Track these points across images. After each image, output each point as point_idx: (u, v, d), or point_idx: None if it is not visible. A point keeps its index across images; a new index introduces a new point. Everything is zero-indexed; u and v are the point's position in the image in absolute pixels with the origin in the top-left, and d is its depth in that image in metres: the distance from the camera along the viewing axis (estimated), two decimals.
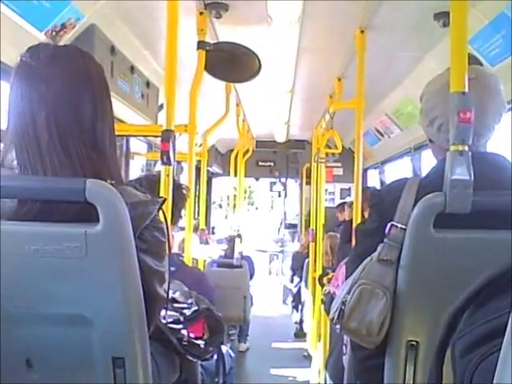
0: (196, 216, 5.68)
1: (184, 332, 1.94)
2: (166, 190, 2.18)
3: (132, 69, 3.70)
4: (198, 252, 4.22)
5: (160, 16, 2.34)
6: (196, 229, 4.53)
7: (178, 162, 5.71)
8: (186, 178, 3.25)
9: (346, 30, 3.42)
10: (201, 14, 3.12)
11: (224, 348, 3.46)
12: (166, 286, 1.44)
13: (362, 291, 1.48)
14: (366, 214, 3.24)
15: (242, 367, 6.19)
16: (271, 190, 11.39)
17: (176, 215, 2.56)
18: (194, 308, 2.06)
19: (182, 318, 1.98)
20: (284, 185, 10.64)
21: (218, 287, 3.41)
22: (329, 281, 3.72)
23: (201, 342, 2.02)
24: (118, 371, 1.28)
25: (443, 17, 3.00)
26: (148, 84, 4.10)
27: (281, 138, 8.42)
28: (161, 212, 1.41)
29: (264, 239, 12.29)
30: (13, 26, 2.35)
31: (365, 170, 7.64)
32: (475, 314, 0.79)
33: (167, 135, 2.18)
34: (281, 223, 11.98)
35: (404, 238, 1.45)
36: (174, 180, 2.31)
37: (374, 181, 7.87)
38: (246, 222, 7.67)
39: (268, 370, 6.16)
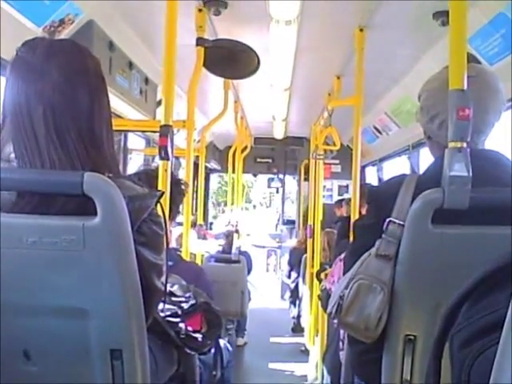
0: (194, 211, 5.68)
1: (182, 325, 1.95)
2: (163, 185, 2.19)
3: (130, 65, 3.70)
4: (196, 247, 4.22)
5: (159, 12, 2.34)
6: (194, 224, 4.54)
7: (177, 158, 5.72)
8: (184, 174, 3.25)
9: (345, 28, 3.42)
10: (199, 10, 3.12)
11: (222, 342, 3.47)
12: (163, 279, 1.44)
13: (359, 286, 1.49)
14: (364, 211, 3.25)
15: (239, 361, 6.20)
16: (269, 187, 11.39)
17: (174, 210, 2.56)
18: (192, 301, 2.07)
19: (179, 312, 1.98)
20: (282, 181, 10.64)
21: (215, 282, 3.41)
22: (326, 276, 3.73)
23: (198, 336, 2.02)
24: (115, 363, 1.29)
25: (442, 16, 3.00)
26: (146, 80, 4.10)
27: (279, 134, 8.43)
28: (159, 205, 1.41)
29: (262, 235, 12.29)
30: (11, 21, 2.35)
31: (363, 168, 7.65)
32: (473, 308, 0.80)
33: (165, 130, 2.18)
34: (279, 219, 11.99)
35: (402, 234, 1.45)
36: (172, 175, 2.31)
37: (371, 178, 7.88)
38: (243, 217, 7.66)
39: (265, 365, 6.17)
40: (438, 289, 1.41)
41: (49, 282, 1.27)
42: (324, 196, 7.40)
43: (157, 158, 2.36)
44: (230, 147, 6.98)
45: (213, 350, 3.08)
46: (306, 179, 8.22)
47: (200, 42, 3.08)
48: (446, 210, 1.41)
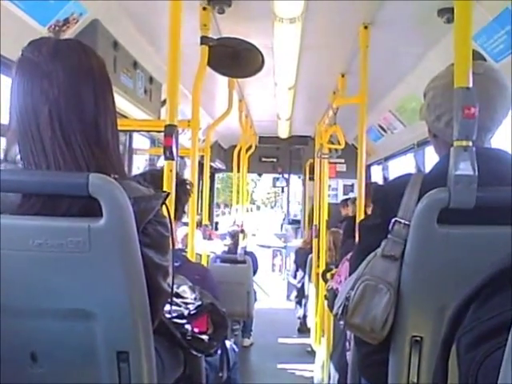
0: (199, 211, 5.68)
1: (188, 327, 1.94)
2: (168, 185, 2.19)
3: (135, 64, 3.70)
4: (202, 247, 4.22)
5: (163, 11, 2.34)
6: (199, 224, 4.54)
7: (182, 157, 5.72)
8: (189, 174, 3.25)
9: (349, 25, 3.41)
10: (204, 9, 3.12)
11: (228, 343, 3.46)
12: (169, 280, 1.44)
13: (365, 287, 1.48)
14: (369, 210, 3.24)
15: (245, 362, 6.20)
16: (274, 186, 11.40)
17: (180, 211, 2.56)
18: (198, 303, 2.06)
19: (186, 313, 1.98)
20: (287, 181, 10.63)
21: (221, 283, 3.41)
22: (332, 276, 3.72)
23: (205, 337, 2.02)
24: (122, 365, 1.29)
25: (447, 13, 2.99)
26: (151, 79, 4.10)
27: (284, 133, 8.42)
28: (164, 207, 1.41)
29: (267, 235, 12.29)
30: (16, 20, 2.35)
31: (368, 166, 7.64)
32: (480, 309, 0.79)
33: (170, 130, 2.18)
34: (284, 219, 11.99)
35: (408, 234, 1.44)
36: (177, 175, 2.31)
37: (377, 177, 7.87)
38: (249, 217, 7.67)
39: (272, 365, 6.17)
40: (444, 289, 1.41)
41: (55, 284, 1.27)
42: (329, 195, 7.38)
43: (162, 158, 2.36)
44: (235, 146, 6.97)
45: (219, 352, 3.07)
46: (311, 178, 8.22)
47: (204, 40, 3.07)
48: (453, 210, 1.40)
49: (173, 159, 2.21)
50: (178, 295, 2.04)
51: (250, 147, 7.45)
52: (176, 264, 1.77)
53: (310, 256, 6.86)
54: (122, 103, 3.57)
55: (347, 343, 2.80)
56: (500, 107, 1.59)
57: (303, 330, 7.44)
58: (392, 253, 1.47)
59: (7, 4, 2.27)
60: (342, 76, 4.63)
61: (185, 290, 2.11)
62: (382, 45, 3.57)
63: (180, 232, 3.61)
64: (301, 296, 7.68)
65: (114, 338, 1.29)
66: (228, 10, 3.16)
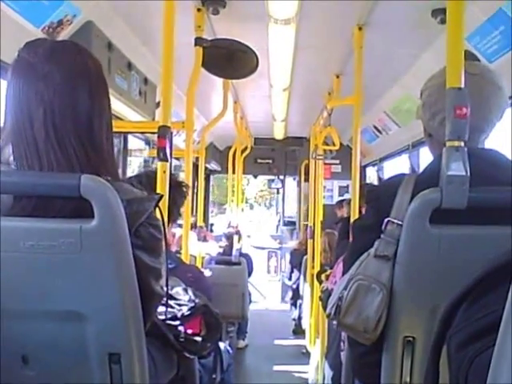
0: (194, 213, 5.68)
1: (181, 328, 1.94)
2: (162, 187, 2.18)
3: (129, 65, 3.69)
4: (196, 249, 4.22)
5: (157, 12, 2.34)
6: (194, 225, 4.53)
7: (176, 159, 5.72)
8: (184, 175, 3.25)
9: (343, 27, 3.42)
10: (198, 10, 3.12)
11: (222, 345, 3.46)
12: (162, 282, 1.44)
13: (358, 287, 1.48)
14: (364, 211, 3.25)
15: (240, 364, 6.20)
16: (270, 187, 11.39)
17: (175, 213, 2.55)
18: (191, 304, 2.06)
19: (179, 315, 1.98)
20: (282, 182, 10.64)
21: (215, 284, 3.41)
22: (327, 277, 3.72)
23: (198, 339, 2.02)
24: (114, 367, 1.28)
25: (441, 14, 3.00)
26: (146, 81, 4.09)
27: (279, 135, 8.43)
28: (157, 209, 1.41)
29: (262, 236, 12.29)
30: (9, 22, 2.34)
31: (363, 167, 7.65)
32: (470, 309, 0.80)
33: (164, 131, 2.17)
34: (279, 220, 11.99)
35: (400, 234, 1.45)
36: (174, 177, 2.30)
37: (372, 178, 7.88)
38: (244, 218, 7.66)
39: (266, 367, 6.17)
40: (436, 289, 1.41)
41: (46, 286, 1.26)
42: (324, 196, 7.39)
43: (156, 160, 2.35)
44: (230, 148, 6.97)
45: (212, 353, 3.07)
46: (306, 180, 8.23)
47: (199, 41, 3.07)
48: (445, 210, 1.40)
49: (166, 160, 2.20)
50: (172, 297, 2.04)
51: (246, 148, 7.46)
52: (170, 266, 1.76)
53: (305, 257, 6.87)
54: (116, 105, 3.56)
55: (342, 343, 2.80)
56: (494, 108, 1.59)
57: (298, 331, 7.44)
58: (385, 253, 1.46)
59: (1, 5, 2.26)
60: (337, 77, 4.64)
61: (178, 291, 2.10)
62: (377, 46, 3.58)
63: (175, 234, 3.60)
64: (296, 297, 7.68)
65: (106, 340, 1.29)
66: (222, 11, 3.17)
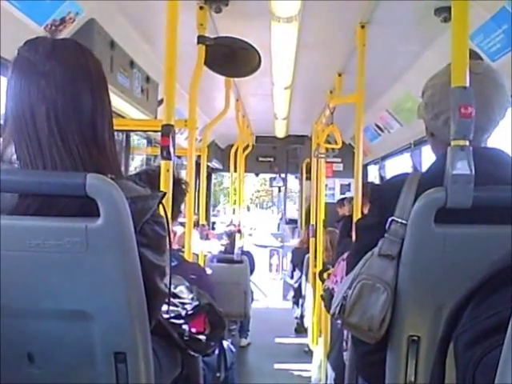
0: (196, 211, 5.68)
1: (185, 327, 1.95)
2: (165, 185, 2.18)
3: (132, 63, 3.69)
4: (198, 247, 4.22)
5: (160, 10, 2.34)
6: (196, 224, 4.53)
7: (179, 157, 5.72)
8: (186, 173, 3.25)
9: (346, 24, 3.41)
10: (201, 8, 3.12)
11: (225, 343, 3.46)
12: (166, 280, 1.44)
13: (362, 286, 1.48)
14: (366, 210, 3.24)
15: (243, 362, 6.20)
16: (271, 186, 11.39)
17: (176, 210, 2.56)
18: (195, 303, 2.06)
19: (183, 313, 1.98)
20: (284, 180, 10.64)
21: (218, 283, 3.41)
22: (329, 276, 3.72)
23: (202, 337, 2.02)
24: (119, 366, 1.28)
25: (444, 12, 3.00)
26: (148, 79, 4.09)
27: (281, 133, 8.42)
28: (161, 206, 1.41)
29: (264, 234, 12.29)
30: (12, 20, 2.34)
31: (365, 166, 7.64)
32: (478, 308, 0.79)
33: (167, 130, 2.17)
34: (281, 218, 11.99)
35: (405, 233, 1.44)
36: (173, 174, 2.30)
37: (374, 176, 7.87)
38: (245, 217, 7.66)
39: (269, 365, 6.17)
40: (441, 289, 1.41)
41: (52, 285, 1.26)
42: (326, 195, 7.38)
43: (159, 158, 2.36)
44: (232, 146, 6.97)
45: (216, 352, 3.07)
46: (308, 178, 8.22)
47: (201, 39, 3.07)
48: (450, 209, 1.40)
49: (170, 159, 2.20)
50: (176, 295, 2.04)
51: (247, 147, 7.45)
52: (173, 264, 1.76)
53: (306, 256, 6.86)
54: (118, 103, 3.57)
55: (344, 343, 2.80)
56: (497, 107, 1.59)
57: (300, 330, 7.43)
58: (389, 252, 1.46)
59: (4, 3, 2.26)
60: (339, 75, 4.63)
61: (182, 290, 2.10)
62: (379, 44, 3.57)
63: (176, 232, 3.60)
64: (298, 296, 7.67)
65: (112, 339, 1.29)
66: (225, 9, 3.16)
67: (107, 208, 1.21)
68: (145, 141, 5.76)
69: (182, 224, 3.23)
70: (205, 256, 4.70)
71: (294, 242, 9.30)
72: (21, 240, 1.22)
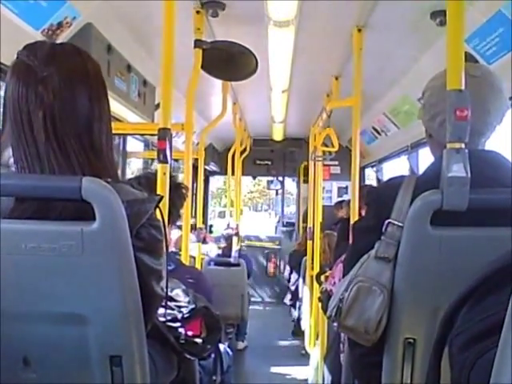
0: (193, 214, 5.68)
1: (181, 330, 1.94)
2: (162, 188, 2.18)
3: (129, 67, 3.70)
4: (195, 250, 4.22)
5: (156, 14, 2.34)
6: (193, 227, 4.54)
7: (176, 161, 5.72)
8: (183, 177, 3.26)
9: (342, 28, 3.42)
10: (197, 12, 3.13)
11: (222, 346, 3.46)
12: (163, 284, 1.44)
13: (359, 289, 1.48)
14: (363, 212, 3.25)
15: (240, 365, 6.20)
16: (269, 189, 11.39)
17: (174, 214, 2.56)
18: (192, 306, 2.06)
19: (179, 317, 1.98)
20: (281, 183, 10.65)
21: (215, 285, 3.41)
22: (326, 279, 3.72)
23: (198, 341, 2.02)
24: (115, 369, 1.28)
25: (440, 15, 3.01)
26: (145, 83, 4.10)
27: (278, 136, 8.44)
28: (158, 210, 1.41)
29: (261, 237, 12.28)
30: (9, 24, 2.34)
31: (362, 169, 7.65)
32: (472, 310, 0.80)
33: (164, 133, 2.18)
34: (278, 221, 11.98)
35: (401, 236, 1.45)
36: (173, 178, 2.30)
37: (371, 179, 7.88)
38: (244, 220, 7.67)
39: (266, 368, 6.16)
40: (437, 291, 1.41)
41: (48, 288, 1.26)
42: (323, 197, 7.39)
43: (156, 162, 2.36)
44: (229, 149, 6.99)
45: (212, 355, 3.07)
46: (306, 181, 8.23)
47: (198, 43, 3.08)
48: (446, 211, 1.40)
49: (166, 162, 2.21)
50: (172, 298, 2.03)
51: (245, 150, 7.46)
52: (170, 267, 1.77)
53: (304, 258, 6.86)
54: (115, 107, 3.57)
55: (341, 345, 2.80)
56: (493, 111, 1.58)
57: (297, 332, 7.43)
58: (385, 254, 1.47)
59: (0, 8, 2.26)
60: (336, 79, 4.65)
61: (178, 293, 2.10)
62: (376, 47, 3.58)
63: (173, 235, 3.60)
64: (295, 299, 7.67)
65: (107, 342, 1.29)
66: (221, 13, 3.17)
67: (103, 211, 1.21)
68: (142, 144, 5.76)
69: (179, 227, 3.23)
70: (202, 259, 4.71)
71: (292, 244, 9.30)
72: (16, 243, 1.22)
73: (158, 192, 2.15)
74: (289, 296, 8.24)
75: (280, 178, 10.46)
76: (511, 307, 0.61)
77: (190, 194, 2.86)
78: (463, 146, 1.43)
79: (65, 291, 1.26)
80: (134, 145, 5.54)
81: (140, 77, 3.98)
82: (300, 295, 7.25)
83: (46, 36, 2.63)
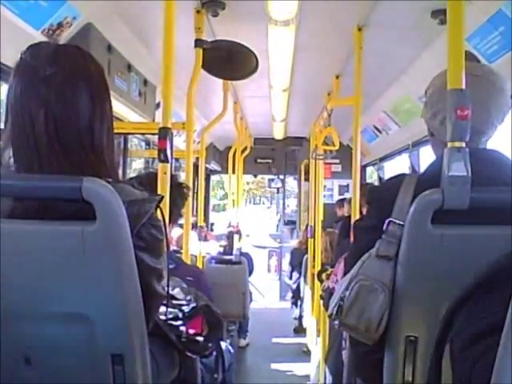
0: (194, 213, 5.68)
1: (183, 328, 1.94)
2: (163, 188, 2.18)
3: (129, 67, 3.70)
4: (197, 248, 4.22)
5: (157, 14, 2.34)
6: (195, 225, 4.54)
7: (177, 160, 5.73)
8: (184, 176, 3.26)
9: (343, 27, 3.42)
10: (198, 12, 3.13)
11: (223, 344, 3.46)
12: (164, 282, 1.44)
13: (360, 287, 1.48)
14: (364, 211, 3.25)
15: (241, 363, 6.21)
16: (270, 187, 11.41)
17: (176, 213, 2.56)
18: (193, 304, 2.06)
19: (180, 315, 1.98)
20: (282, 182, 10.66)
21: (216, 284, 3.41)
22: (328, 277, 3.72)
23: (200, 339, 2.02)
24: (116, 368, 1.28)
25: (440, 14, 3.01)
26: (145, 82, 4.10)
27: (279, 135, 8.44)
28: (158, 210, 1.41)
29: (262, 235, 12.30)
30: (9, 24, 2.34)
31: (363, 167, 7.65)
32: (473, 309, 0.80)
33: (164, 133, 2.18)
34: (280, 219, 11.99)
35: (402, 234, 1.45)
36: (174, 178, 2.30)
37: (372, 177, 7.88)
38: (245, 218, 7.66)
39: (268, 366, 6.18)
40: (438, 289, 1.41)
41: (48, 288, 1.27)
42: (324, 196, 7.39)
43: (157, 161, 2.36)
44: (230, 148, 6.99)
45: (214, 353, 3.07)
46: (307, 179, 8.23)
47: (198, 43, 3.08)
48: (447, 210, 1.40)
49: (167, 162, 2.20)
50: (173, 297, 2.04)
51: (246, 149, 7.46)
52: (170, 266, 1.76)
53: (305, 256, 6.87)
54: (116, 106, 3.57)
55: (343, 342, 2.80)
56: (494, 110, 1.58)
57: (299, 330, 7.44)
58: (386, 253, 1.47)
59: (0, 8, 2.27)
60: (337, 77, 4.65)
61: (179, 291, 2.10)
62: (376, 46, 3.58)
63: (174, 233, 3.60)
64: (296, 297, 7.68)
65: (109, 341, 1.29)
66: (222, 12, 3.17)
67: (103, 211, 1.21)
68: (143, 143, 5.76)
69: (181, 225, 3.23)
70: (203, 257, 4.71)
71: (293, 242, 9.31)
72: (17, 243, 1.23)
73: (159, 191, 2.15)
74: (290, 294, 8.25)
75: (281, 177, 10.47)
76: None
77: (191, 192, 2.86)
78: (464, 145, 1.43)
79: (65, 291, 1.26)
80: (134, 144, 5.54)
81: (140, 76, 3.98)
82: (301, 293, 7.26)
83: (46, 36, 2.63)
